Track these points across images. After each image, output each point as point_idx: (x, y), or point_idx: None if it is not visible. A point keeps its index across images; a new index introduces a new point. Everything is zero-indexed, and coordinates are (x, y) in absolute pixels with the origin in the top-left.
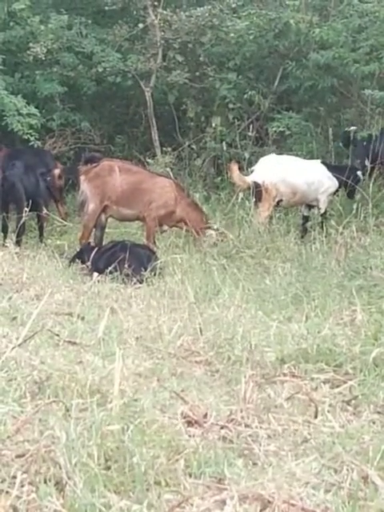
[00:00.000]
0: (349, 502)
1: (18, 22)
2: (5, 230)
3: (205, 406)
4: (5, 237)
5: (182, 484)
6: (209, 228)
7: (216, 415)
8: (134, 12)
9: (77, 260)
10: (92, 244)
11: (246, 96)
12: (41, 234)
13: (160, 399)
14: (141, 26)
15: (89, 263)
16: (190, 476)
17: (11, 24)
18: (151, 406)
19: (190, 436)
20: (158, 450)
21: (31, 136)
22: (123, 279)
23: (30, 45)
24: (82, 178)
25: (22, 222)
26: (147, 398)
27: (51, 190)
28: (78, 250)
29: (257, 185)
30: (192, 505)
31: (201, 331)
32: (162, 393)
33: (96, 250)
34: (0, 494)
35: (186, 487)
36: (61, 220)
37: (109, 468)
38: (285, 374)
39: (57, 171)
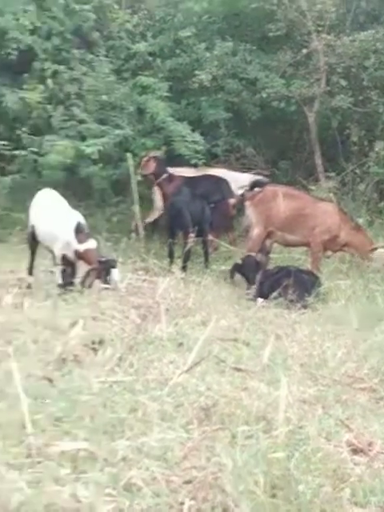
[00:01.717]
0: None
1: (184, 50)
2: (171, 256)
3: (370, 434)
4: (171, 262)
5: None
6: (375, 249)
7: (382, 443)
8: (298, 37)
9: (236, 273)
10: (255, 257)
11: None
12: (206, 260)
13: (325, 427)
14: (304, 51)
15: (252, 288)
16: (356, 505)
17: (177, 51)
18: (316, 434)
19: (355, 464)
20: (323, 478)
21: (198, 160)
22: (287, 305)
23: (196, 72)
24: (248, 203)
25: (188, 248)
26: (312, 426)
27: (225, 219)
28: (240, 262)
29: None
30: None
31: (365, 358)
32: (326, 420)
33: (261, 274)
34: None
35: None
36: (227, 246)
37: (274, 496)
38: None
39: (232, 201)
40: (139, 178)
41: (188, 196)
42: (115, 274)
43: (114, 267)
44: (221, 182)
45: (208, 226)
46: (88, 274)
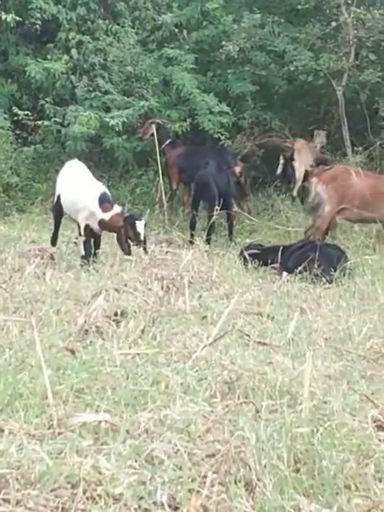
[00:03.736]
0: None
1: (211, 21)
2: (193, 228)
3: None
4: (192, 234)
5: (371, 489)
6: None
7: None
8: (327, 10)
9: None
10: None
11: None
12: (230, 233)
13: (350, 402)
14: (333, 24)
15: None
16: (380, 481)
17: (204, 23)
18: (341, 409)
19: (380, 440)
20: (347, 453)
21: (222, 135)
22: (312, 279)
23: (223, 43)
24: (315, 180)
25: (212, 221)
26: (337, 401)
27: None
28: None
29: None
30: (382, 510)
31: None
32: (351, 396)
33: (284, 249)
34: (191, 494)
35: (376, 492)
36: (249, 217)
37: (298, 470)
38: None
39: (237, 169)
40: None
41: (214, 168)
42: (140, 226)
43: (138, 220)
44: (224, 151)
45: (232, 198)
46: (119, 236)
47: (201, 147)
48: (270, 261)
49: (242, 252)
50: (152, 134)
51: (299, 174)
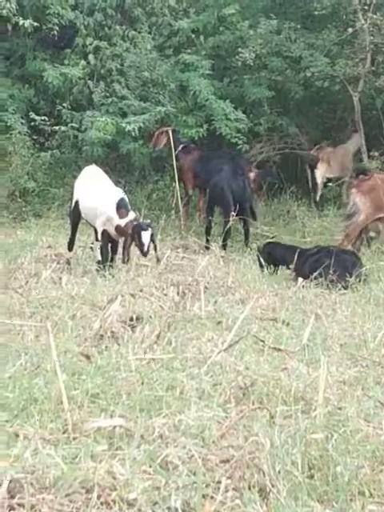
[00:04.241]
0: None
1: (227, 27)
2: (208, 233)
3: None
4: (208, 240)
5: None
6: None
7: None
8: (344, 16)
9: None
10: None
11: None
12: (246, 238)
13: (364, 408)
14: (350, 30)
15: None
16: None
17: (221, 29)
18: (355, 415)
19: None
20: (361, 459)
21: (239, 140)
22: (328, 285)
23: (239, 49)
24: (354, 190)
25: (228, 226)
26: (352, 407)
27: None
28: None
29: None
30: None
31: None
32: (366, 402)
33: (299, 254)
34: (205, 499)
35: None
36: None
37: (312, 477)
38: None
39: (252, 175)
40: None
41: (230, 174)
42: (145, 236)
43: (144, 230)
44: (238, 157)
45: (247, 204)
46: (125, 243)
47: (215, 152)
48: (286, 261)
49: (261, 249)
50: (165, 144)
51: (321, 181)
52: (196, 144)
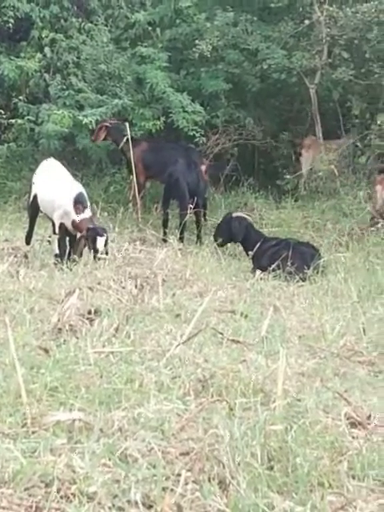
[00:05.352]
0: None
1: (184, 20)
2: (166, 226)
3: (368, 407)
4: (165, 232)
5: (345, 486)
6: None
7: (380, 416)
8: (300, 9)
9: None
10: None
11: None
12: (199, 231)
13: (323, 399)
14: (306, 22)
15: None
16: (354, 478)
17: (177, 21)
18: (314, 407)
19: (353, 437)
20: (321, 451)
21: (196, 132)
22: (286, 277)
23: (196, 42)
24: (379, 187)
25: (185, 219)
26: (310, 398)
27: None
28: None
29: None
30: (355, 507)
31: (364, 331)
32: (325, 393)
33: (258, 247)
34: (165, 492)
35: (350, 489)
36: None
37: (272, 468)
38: None
39: (203, 167)
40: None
41: (184, 166)
42: (100, 242)
43: (100, 236)
44: (190, 150)
45: (202, 198)
46: (79, 241)
47: (164, 143)
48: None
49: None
50: (105, 138)
51: (306, 168)
52: (152, 136)
